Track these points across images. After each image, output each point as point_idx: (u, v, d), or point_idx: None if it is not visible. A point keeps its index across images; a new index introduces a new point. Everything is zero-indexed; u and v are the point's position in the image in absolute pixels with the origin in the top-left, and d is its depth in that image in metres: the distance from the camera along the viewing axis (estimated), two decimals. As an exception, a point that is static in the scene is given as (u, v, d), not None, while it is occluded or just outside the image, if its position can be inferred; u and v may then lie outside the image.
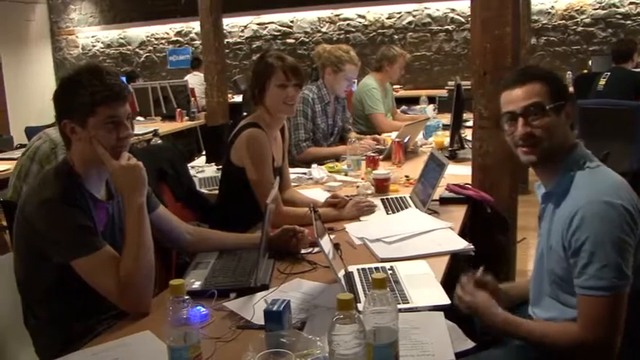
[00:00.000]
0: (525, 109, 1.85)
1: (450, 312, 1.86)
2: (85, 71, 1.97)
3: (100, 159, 1.95)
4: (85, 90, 1.90)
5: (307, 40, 10.62)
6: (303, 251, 2.38)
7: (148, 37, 11.80)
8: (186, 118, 7.69)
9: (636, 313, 1.78)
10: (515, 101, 1.88)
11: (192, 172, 3.94)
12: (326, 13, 10.48)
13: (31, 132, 6.36)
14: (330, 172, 3.77)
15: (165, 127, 7.15)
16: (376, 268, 2.19)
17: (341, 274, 2.01)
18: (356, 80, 5.55)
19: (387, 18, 10.16)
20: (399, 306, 1.86)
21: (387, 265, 2.23)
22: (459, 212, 2.84)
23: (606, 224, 1.67)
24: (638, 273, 1.75)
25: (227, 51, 10.16)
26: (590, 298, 1.68)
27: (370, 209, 2.90)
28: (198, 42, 10.79)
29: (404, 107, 6.52)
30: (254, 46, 10.97)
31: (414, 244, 2.44)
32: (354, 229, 2.64)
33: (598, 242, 1.66)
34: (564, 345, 1.74)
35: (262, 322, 1.68)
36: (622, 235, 1.67)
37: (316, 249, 2.33)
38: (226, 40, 10.25)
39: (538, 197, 2.04)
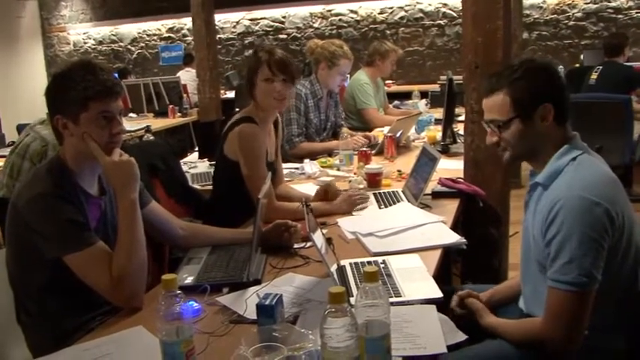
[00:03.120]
0: (488, 122, 1.92)
1: (442, 305, 1.86)
2: (77, 67, 1.97)
3: (93, 155, 1.95)
4: (78, 85, 1.90)
5: (299, 35, 10.61)
6: (295, 246, 2.39)
7: (139, 33, 11.76)
8: (179, 114, 7.69)
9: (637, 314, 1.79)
10: (484, 110, 1.94)
11: (184, 167, 3.94)
12: (318, 8, 10.47)
13: (22, 129, 6.32)
14: (322, 167, 3.77)
15: (158, 124, 7.15)
16: (368, 262, 2.19)
17: (333, 268, 2.02)
18: (348, 75, 5.56)
19: (379, 13, 10.15)
20: (392, 299, 1.86)
21: (380, 258, 2.24)
22: (452, 206, 2.84)
23: (578, 220, 1.67)
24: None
25: (219, 47, 10.15)
26: (555, 290, 1.70)
27: (363, 201, 2.90)
28: (190, 38, 10.77)
29: (396, 102, 6.52)
30: (246, 41, 10.95)
31: (406, 238, 2.44)
32: (347, 224, 2.64)
33: (567, 237, 1.67)
34: (525, 339, 1.80)
35: (255, 317, 1.69)
36: (592, 233, 1.66)
37: (309, 243, 2.33)
38: (218, 36, 10.23)
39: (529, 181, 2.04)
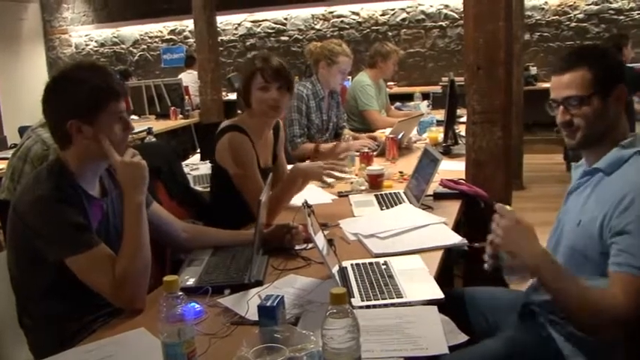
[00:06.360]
0: (564, 99, 1.87)
1: (443, 306, 1.86)
2: (85, 69, 1.99)
3: (100, 156, 1.97)
4: (91, 88, 1.91)
5: (301, 37, 10.62)
6: (297, 247, 2.38)
7: (141, 35, 11.78)
8: (181, 116, 7.70)
9: None
10: (557, 89, 1.89)
11: (186, 169, 3.94)
12: (320, 10, 10.48)
13: (24, 131, 6.32)
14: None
15: (160, 126, 7.15)
16: (370, 264, 2.19)
17: (335, 269, 2.02)
18: (349, 77, 5.57)
19: (381, 15, 10.17)
20: (393, 300, 1.87)
21: (381, 259, 2.23)
22: (453, 207, 2.84)
23: None
24: None
25: (221, 49, 10.16)
26: (628, 275, 1.65)
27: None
28: (191, 40, 10.79)
29: (398, 104, 6.54)
30: (248, 43, 10.97)
31: (408, 239, 2.44)
32: (348, 225, 2.64)
33: None
34: (605, 311, 1.66)
35: (256, 318, 1.69)
36: None
37: (310, 245, 2.33)
38: (220, 38, 10.24)
39: (573, 175, 2.03)
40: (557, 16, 9.25)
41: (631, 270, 1.64)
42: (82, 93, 1.92)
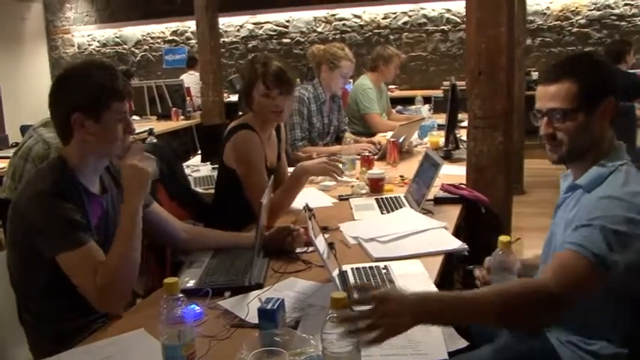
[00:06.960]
0: (548, 110, 1.83)
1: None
2: (95, 67, 2.02)
3: (99, 152, 1.99)
4: (96, 84, 1.94)
5: (303, 40, 10.62)
6: (297, 250, 2.39)
7: (143, 36, 11.78)
8: (182, 117, 7.71)
9: None
10: (542, 99, 1.85)
11: (187, 171, 3.94)
12: (322, 13, 10.48)
13: (26, 130, 6.33)
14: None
15: (161, 127, 7.16)
16: (370, 268, 2.19)
17: (335, 273, 2.02)
18: (351, 81, 5.57)
19: (383, 18, 10.17)
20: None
21: (382, 264, 2.23)
22: (454, 212, 2.84)
23: (614, 211, 1.61)
24: None
25: (223, 50, 10.17)
26: (569, 252, 1.61)
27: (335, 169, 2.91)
28: (194, 41, 10.79)
29: (399, 107, 6.54)
30: (250, 45, 10.97)
31: (408, 243, 2.44)
32: (349, 229, 2.64)
33: (605, 223, 1.60)
34: (534, 295, 1.58)
35: (256, 321, 1.69)
36: (626, 228, 1.59)
37: (311, 248, 2.34)
38: (222, 39, 10.25)
39: (561, 186, 2.02)
40: (559, 22, 9.25)
41: (577, 248, 1.59)
42: (86, 87, 1.94)
